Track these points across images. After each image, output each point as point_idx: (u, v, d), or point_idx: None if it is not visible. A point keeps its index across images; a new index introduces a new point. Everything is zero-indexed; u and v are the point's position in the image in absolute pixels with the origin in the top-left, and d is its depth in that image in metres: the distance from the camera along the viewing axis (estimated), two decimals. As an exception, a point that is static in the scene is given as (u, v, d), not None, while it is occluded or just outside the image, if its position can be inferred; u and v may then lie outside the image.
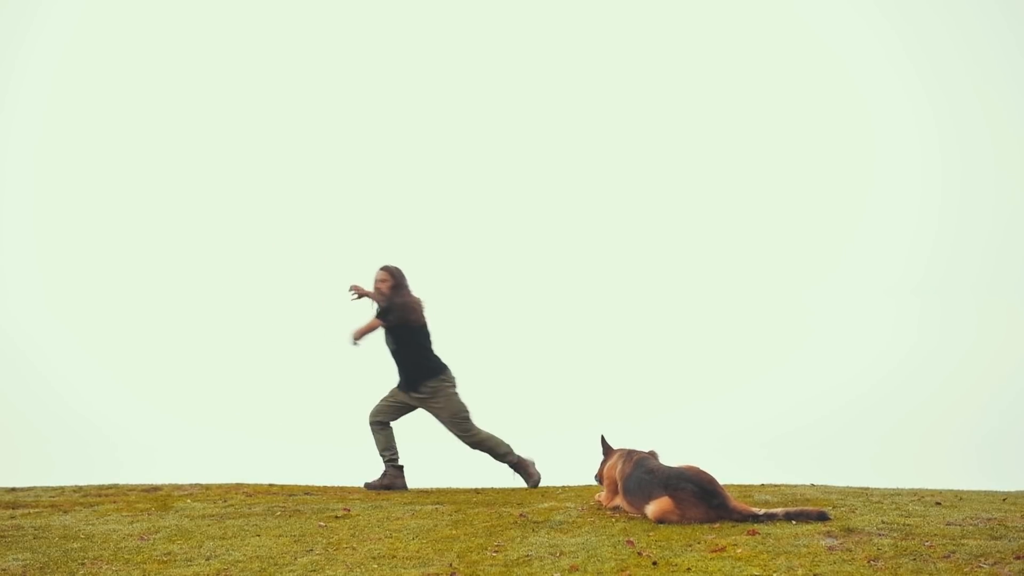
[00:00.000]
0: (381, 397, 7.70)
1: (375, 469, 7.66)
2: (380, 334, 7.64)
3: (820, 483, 7.13)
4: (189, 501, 6.84)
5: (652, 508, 5.59)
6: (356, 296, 7.69)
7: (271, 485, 7.71)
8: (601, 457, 6.52)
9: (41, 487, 7.71)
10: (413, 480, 7.71)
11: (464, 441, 7.62)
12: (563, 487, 7.45)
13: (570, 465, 8.00)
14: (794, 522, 5.35)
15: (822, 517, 5.40)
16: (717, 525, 5.35)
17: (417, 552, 5.10)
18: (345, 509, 6.36)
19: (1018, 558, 4.51)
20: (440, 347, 7.77)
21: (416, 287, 7.75)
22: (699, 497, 5.49)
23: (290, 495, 7.10)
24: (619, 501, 6.01)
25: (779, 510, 5.49)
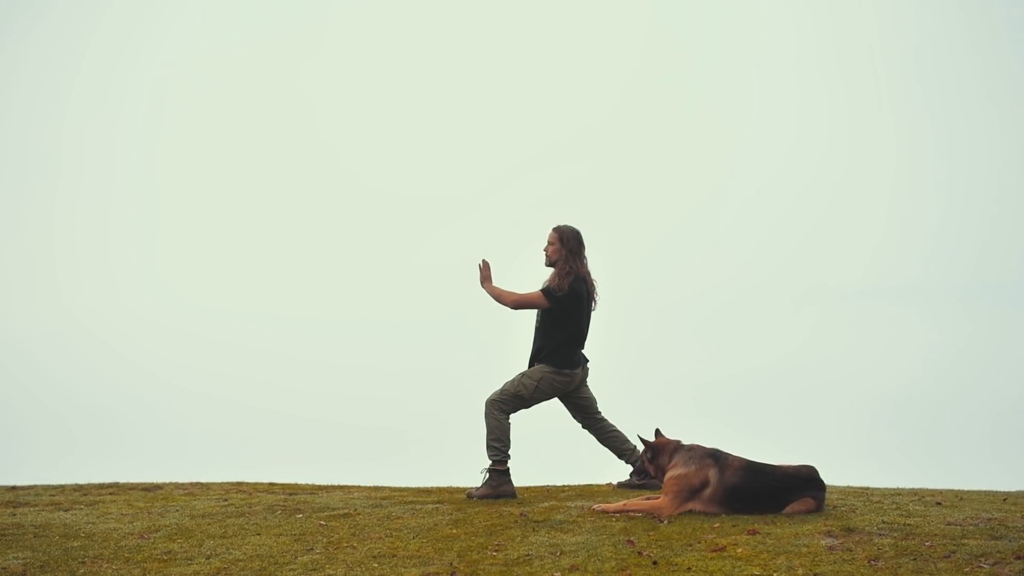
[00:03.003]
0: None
1: (374, 468, 7.66)
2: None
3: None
4: (189, 500, 6.85)
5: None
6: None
7: (271, 484, 7.71)
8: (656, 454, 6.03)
9: (42, 485, 7.72)
10: (413, 479, 7.72)
11: None
12: (563, 486, 7.45)
13: (570, 464, 8.01)
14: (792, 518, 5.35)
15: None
16: (717, 525, 5.36)
17: (417, 551, 5.10)
18: (346, 508, 6.36)
19: (1018, 558, 4.51)
20: (438, 345, 7.76)
21: (415, 287, 7.73)
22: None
23: (291, 494, 7.11)
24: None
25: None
